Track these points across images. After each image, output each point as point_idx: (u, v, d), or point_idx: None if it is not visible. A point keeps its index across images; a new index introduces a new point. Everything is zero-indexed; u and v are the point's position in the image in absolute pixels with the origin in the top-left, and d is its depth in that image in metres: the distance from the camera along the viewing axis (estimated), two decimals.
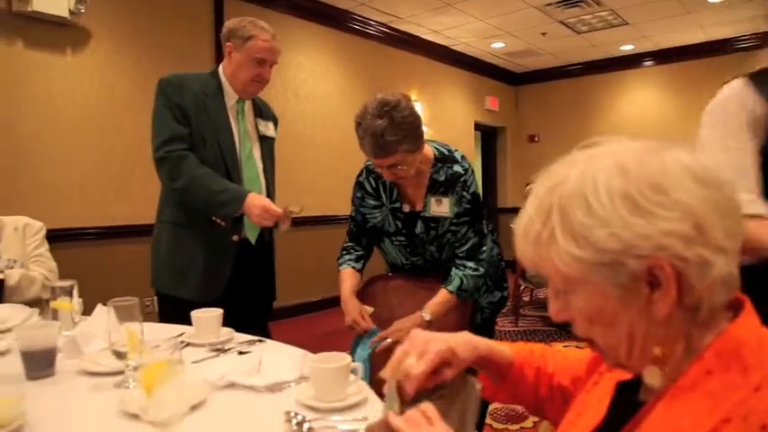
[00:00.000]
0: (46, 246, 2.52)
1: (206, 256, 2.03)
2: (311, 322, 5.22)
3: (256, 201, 1.95)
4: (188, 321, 1.66)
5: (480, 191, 1.97)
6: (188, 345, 1.53)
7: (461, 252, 1.93)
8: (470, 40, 7.16)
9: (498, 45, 7.37)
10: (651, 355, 0.70)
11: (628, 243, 0.64)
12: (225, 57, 2.11)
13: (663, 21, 6.39)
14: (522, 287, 5.44)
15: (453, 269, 1.91)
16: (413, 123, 1.76)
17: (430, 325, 1.84)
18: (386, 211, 1.99)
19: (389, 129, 1.71)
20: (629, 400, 0.77)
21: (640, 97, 7.97)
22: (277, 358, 1.30)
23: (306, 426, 0.99)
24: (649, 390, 0.74)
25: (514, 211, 6.60)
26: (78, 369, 1.34)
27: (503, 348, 0.98)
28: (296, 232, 2.01)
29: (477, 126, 8.36)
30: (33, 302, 2.19)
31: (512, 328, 5.05)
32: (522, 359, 0.99)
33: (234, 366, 1.24)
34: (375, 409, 1.10)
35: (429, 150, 1.93)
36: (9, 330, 1.70)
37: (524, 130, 9.07)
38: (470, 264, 1.91)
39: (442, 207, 1.90)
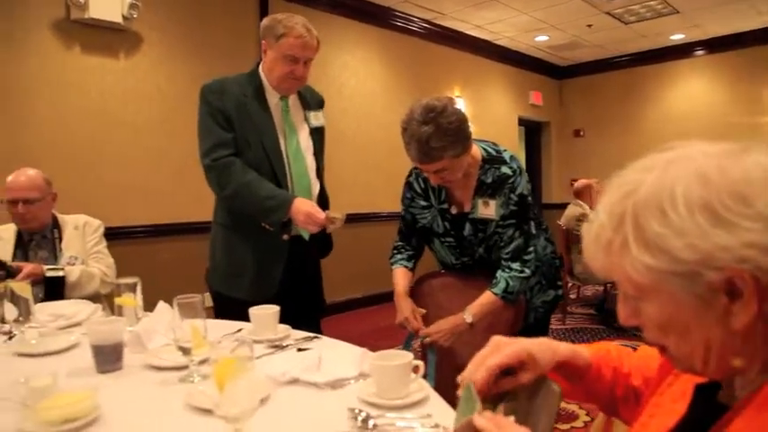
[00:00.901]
0: (104, 243, 2.61)
1: (258, 257, 2.05)
2: (355, 319, 5.25)
3: (302, 206, 1.95)
4: (242, 318, 1.70)
5: (529, 191, 1.94)
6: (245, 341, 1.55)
7: (506, 254, 1.90)
8: (514, 35, 7.06)
9: (542, 38, 7.24)
10: (730, 366, 0.68)
11: (706, 254, 0.62)
12: (262, 55, 2.11)
13: (716, 8, 6.15)
14: (570, 284, 5.34)
15: (499, 271, 1.88)
16: (459, 128, 1.74)
17: (472, 327, 1.83)
18: (434, 212, 1.99)
19: (435, 135, 1.70)
20: (710, 402, 0.75)
21: (692, 88, 7.70)
22: (336, 355, 1.31)
23: (371, 422, 0.99)
24: (732, 394, 0.72)
25: (560, 207, 6.49)
26: (143, 363, 1.38)
27: (582, 350, 0.97)
28: (338, 230, 2.05)
29: (521, 121, 8.25)
30: (92, 298, 2.28)
31: (559, 326, 4.96)
32: (600, 360, 0.98)
33: (295, 363, 1.25)
34: (437, 406, 1.09)
35: (477, 151, 1.91)
36: (77, 325, 1.77)
37: (569, 125, 8.89)
38: (515, 265, 1.88)
39: (488, 209, 1.89)
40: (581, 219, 4.88)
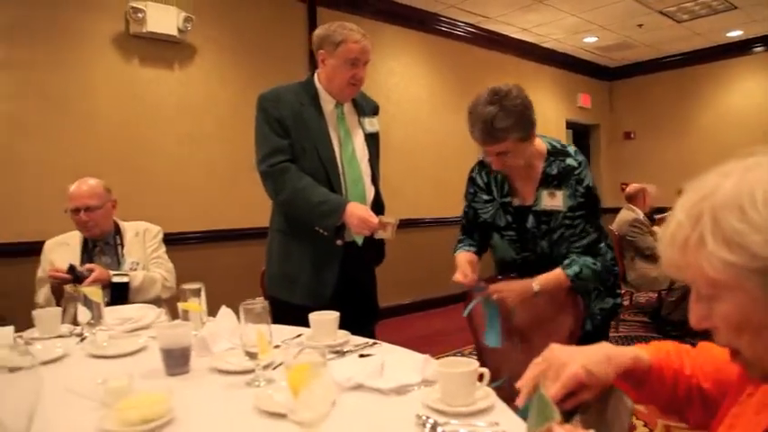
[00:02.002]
0: (163, 248, 2.68)
1: (313, 263, 2.08)
2: (403, 325, 5.24)
3: (355, 211, 1.98)
4: (297, 323, 1.72)
5: (594, 186, 1.94)
6: (306, 347, 1.58)
7: (579, 247, 1.89)
8: (561, 37, 6.95)
9: (590, 40, 7.10)
10: None
11: None
12: (319, 65, 2.15)
13: None
14: (623, 291, 5.20)
15: (573, 257, 1.88)
16: (523, 112, 1.78)
17: (536, 296, 1.84)
18: (497, 206, 2.00)
19: (499, 115, 1.74)
20: None
21: (750, 87, 7.40)
22: (398, 361, 1.31)
23: (439, 429, 0.99)
24: None
25: (612, 211, 6.31)
26: (209, 367, 1.41)
27: (642, 355, 0.96)
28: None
29: (569, 124, 8.09)
30: (154, 302, 2.34)
31: (612, 334, 4.84)
32: (661, 362, 0.97)
33: (358, 369, 1.26)
34: (503, 414, 1.08)
35: (541, 145, 1.93)
36: (143, 329, 1.84)
37: (619, 127, 8.68)
38: (589, 258, 1.87)
39: (555, 200, 1.89)
40: (634, 224, 4.74)
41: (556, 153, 1.92)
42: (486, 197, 2.03)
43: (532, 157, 1.89)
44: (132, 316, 1.89)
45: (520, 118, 1.76)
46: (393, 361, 1.31)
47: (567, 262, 1.87)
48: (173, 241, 3.86)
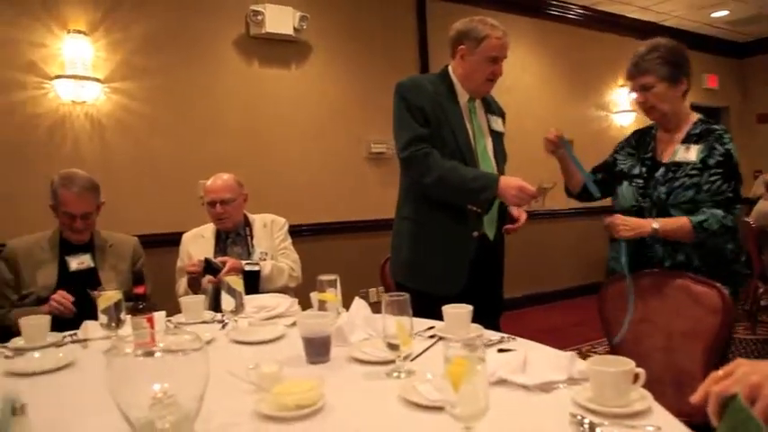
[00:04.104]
0: (289, 240, 2.80)
1: (447, 252, 2.08)
2: (522, 318, 5.14)
3: (511, 182, 1.97)
4: (421, 312, 1.71)
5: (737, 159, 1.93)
6: (440, 339, 1.57)
7: (712, 202, 1.87)
8: (684, 13, 6.44)
9: (720, 14, 6.52)
10: None
11: None
12: (456, 59, 2.15)
13: None
14: (761, 290, 4.75)
15: (702, 209, 1.88)
16: (674, 53, 1.95)
17: (655, 232, 1.86)
18: (636, 160, 2.10)
19: (650, 51, 1.95)
20: None
21: None
22: (541, 358, 1.27)
23: (598, 430, 0.95)
24: None
25: (743, 202, 5.78)
26: (347, 356, 1.45)
27: None
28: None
29: (694, 108, 7.36)
30: (282, 291, 2.45)
31: (748, 336, 4.45)
32: None
33: (500, 364, 1.23)
34: (663, 418, 1.01)
35: (694, 115, 2.04)
36: (278, 317, 1.92)
37: (751, 109, 7.91)
38: (719, 211, 1.85)
39: (689, 153, 1.94)
40: None
41: (705, 122, 2.00)
42: (631, 151, 2.14)
43: (681, 121, 2.01)
44: (268, 304, 1.98)
45: (669, 56, 1.93)
46: (535, 357, 1.27)
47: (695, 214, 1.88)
48: (297, 232, 4.05)
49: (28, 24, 3.44)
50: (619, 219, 1.93)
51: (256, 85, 4.22)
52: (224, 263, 2.39)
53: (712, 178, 1.88)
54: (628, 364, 1.06)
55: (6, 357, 1.62)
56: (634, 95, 2.07)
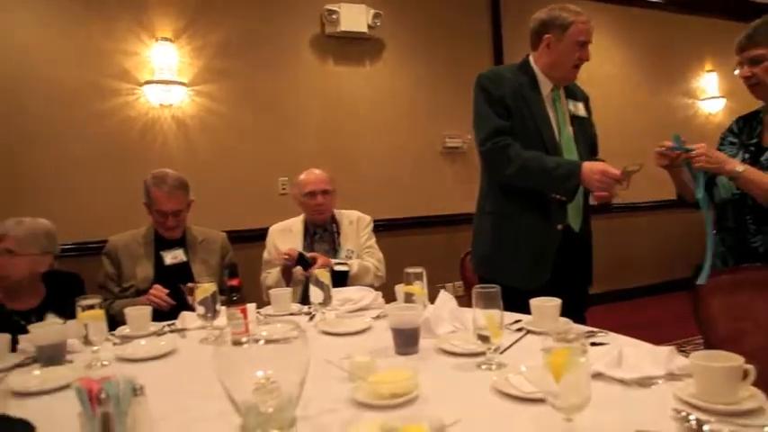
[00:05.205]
0: (374, 238, 2.84)
1: (532, 245, 2.05)
2: (609, 313, 5.00)
3: (594, 167, 1.93)
4: (508, 308, 1.69)
5: None
6: (528, 332, 1.56)
7: None
8: None
9: None
10: None
11: None
12: (539, 49, 2.13)
13: None
14: None
15: None
16: None
17: (737, 174, 1.81)
18: (739, 147, 2.02)
19: (763, 25, 1.86)
20: None
21: None
22: (637, 352, 1.24)
23: (706, 427, 0.92)
24: None
25: None
26: (435, 348, 1.46)
27: None
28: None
29: None
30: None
31: None
32: None
33: (596, 357, 1.21)
34: None
35: None
36: (362, 309, 1.97)
37: None
38: None
39: None
40: None
41: None
42: (732, 140, 2.06)
43: None
44: (352, 297, 2.03)
45: None
46: (630, 351, 1.24)
47: None
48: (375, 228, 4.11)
49: (121, 36, 3.66)
50: (706, 152, 1.85)
51: (332, 83, 4.31)
52: (314, 259, 2.47)
53: None
54: (735, 359, 1.02)
55: (114, 344, 1.75)
56: (737, 72, 1.97)
